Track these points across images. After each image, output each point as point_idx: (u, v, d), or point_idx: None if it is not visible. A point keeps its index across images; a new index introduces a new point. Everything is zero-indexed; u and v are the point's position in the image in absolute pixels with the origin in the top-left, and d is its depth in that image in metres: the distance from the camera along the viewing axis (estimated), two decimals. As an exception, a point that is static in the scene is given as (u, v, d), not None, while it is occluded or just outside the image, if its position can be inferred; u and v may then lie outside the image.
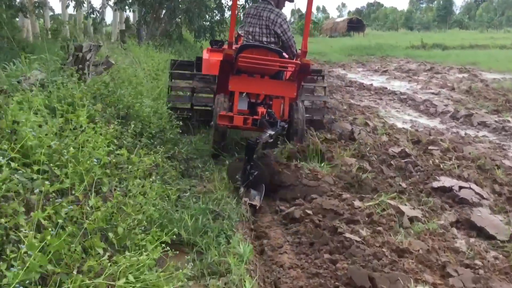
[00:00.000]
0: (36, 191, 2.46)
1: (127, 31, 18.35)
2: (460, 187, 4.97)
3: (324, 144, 6.50)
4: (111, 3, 19.17)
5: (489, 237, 4.14)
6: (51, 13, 29.68)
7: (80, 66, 5.73)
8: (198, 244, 3.65)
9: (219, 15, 20.38)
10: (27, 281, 2.06)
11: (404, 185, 5.15)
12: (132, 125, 4.76)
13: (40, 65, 6.05)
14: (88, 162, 2.93)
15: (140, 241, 3.10)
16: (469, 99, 11.65)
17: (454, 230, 4.20)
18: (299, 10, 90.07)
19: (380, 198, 4.64)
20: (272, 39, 6.21)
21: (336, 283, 3.20)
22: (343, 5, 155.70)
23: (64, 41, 6.62)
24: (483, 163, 5.99)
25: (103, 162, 3.37)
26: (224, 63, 5.93)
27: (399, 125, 8.88)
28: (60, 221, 2.33)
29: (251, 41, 6.25)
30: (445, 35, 52.42)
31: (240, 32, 7.79)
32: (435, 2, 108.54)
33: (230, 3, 6.30)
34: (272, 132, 5.20)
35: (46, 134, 3.04)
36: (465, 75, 17.15)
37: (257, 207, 4.67)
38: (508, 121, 9.23)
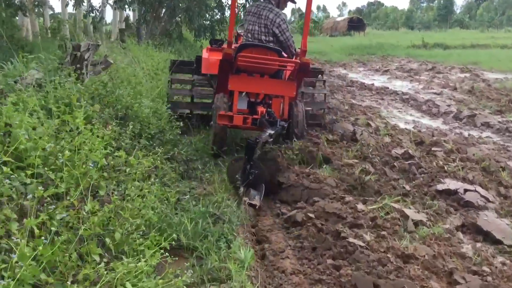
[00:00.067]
0: (29, 196, 2.36)
1: (126, 30, 18.23)
2: (465, 190, 4.88)
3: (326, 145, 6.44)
4: (110, 1, 19.07)
5: (496, 242, 4.04)
6: (51, 12, 29.62)
7: (78, 65, 5.63)
8: (198, 249, 3.56)
9: (219, 14, 20.28)
10: (19, 293, 1.97)
11: (408, 187, 5.05)
12: (131, 126, 4.66)
13: (38, 64, 5.95)
14: (84, 166, 2.83)
15: (138, 246, 3.01)
16: (472, 99, 11.54)
17: (460, 235, 4.11)
18: (299, 9, 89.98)
19: (383, 201, 4.55)
20: (271, 38, 6.18)
21: (340, 290, 3.11)
22: (344, 4, 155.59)
23: (62, 40, 6.49)
24: (488, 165, 5.89)
25: (100, 165, 3.28)
26: (224, 62, 5.90)
27: (402, 125, 8.78)
28: (53, 229, 2.22)
29: (250, 39, 6.23)
30: (446, 34, 52.32)
31: (239, 32, 7.77)
32: (436, 1, 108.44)
33: (230, 2, 6.25)
34: (272, 132, 5.16)
35: (40, 137, 2.94)
36: (467, 74, 17.04)
37: (257, 207, 4.63)
38: (512, 122, 9.13)
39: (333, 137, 7.13)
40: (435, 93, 12.75)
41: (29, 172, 2.56)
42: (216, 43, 7.82)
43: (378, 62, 23.70)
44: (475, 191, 4.89)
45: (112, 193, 3.42)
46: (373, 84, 14.77)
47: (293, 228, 4.20)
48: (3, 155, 2.57)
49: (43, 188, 2.55)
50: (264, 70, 6.02)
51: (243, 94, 6.18)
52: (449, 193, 4.92)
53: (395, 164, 5.79)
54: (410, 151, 6.11)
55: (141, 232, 3.19)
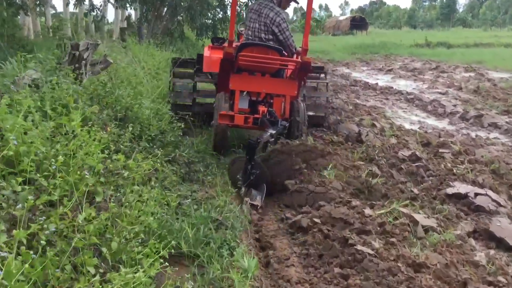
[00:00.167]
0: (19, 206, 2.21)
1: (127, 29, 18.08)
2: (476, 194, 4.72)
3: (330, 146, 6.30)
4: (112, 0, 18.90)
5: (510, 249, 3.90)
6: (53, 11, 29.53)
7: (77, 65, 5.48)
8: (200, 257, 3.41)
9: (221, 13, 20.12)
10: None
11: (416, 191, 4.90)
12: (131, 128, 4.51)
13: (37, 64, 5.81)
14: (78, 172, 2.68)
15: (137, 255, 2.86)
16: (478, 99, 11.38)
17: (472, 241, 3.95)
18: (301, 8, 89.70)
19: (391, 205, 4.39)
20: (270, 36, 6.17)
21: (349, 302, 2.96)
22: (346, 3, 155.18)
23: (61, 39, 6.35)
24: (498, 167, 5.73)
25: (97, 169, 3.13)
26: (225, 61, 5.87)
27: (407, 126, 8.62)
28: (43, 242, 2.08)
29: (250, 36, 6.25)
30: (449, 33, 52.10)
31: (241, 29, 7.72)
32: (438, 0, 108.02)
33: (231, 1, 6.18)
34: (273, 132, 5.13)
35: (31, 142, 2.79)
36: (472, 74, 16.86)
37: (259, 207, 4.60)
38: (520, 122, 8.95)
39: (337, 138, 6.99)
40: (440, 93, 12.58)
41: (20, 179, 2.40)
42: (217, 41, 7.76)
43: (381, 61, 23.52)
44: (486, 195, 4.74)
45: (110, 199, 3.27)
46: (377, 84, 14.59)
47: (298, 234, 4.06)
48: (-7, 160, 2.42)
49: (34, 197, 2.40)
50: (265, 69, 6.01)
51: (244, 93, 6.13)
52: (459, 197, 4.76)
53: (402, 166, 5.64)
54: (417, 153, 5.96)
55: (139, 240, 3.05)
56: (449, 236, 3.87)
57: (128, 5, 19.38)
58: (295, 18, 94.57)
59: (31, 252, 1.97)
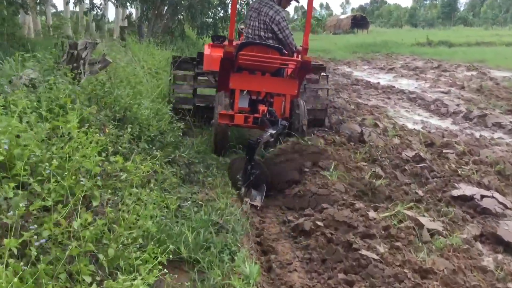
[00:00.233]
0: (10, 213, 2.12)
1: (127, 28, 17.96)
2: (482, 196, 4.62)
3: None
4: (112, -1, 18.84)
5: (517, 253, 3.79)
6: (54, 10, 29.42)
7: (75, 64, 5.38)
8: (200, 262, 3.31)
9: (222, 11, 20.02)
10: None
11: (420, 193, 4.80)
12: (129, 129, 4.41)
13: (35, 63, 5.72)
14: (73, 177, 2.58)
15: (135, 261, 2.77)
16: (481, 99, 11.25)
17: (479, 245, 3.86)
18: (302, 7, 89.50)
19: (396, 208, 4.30)
20: (270, 35, 6.17)
21: (354, 309, 2.86)
22: (347, 2, 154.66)
23: (59, 38, 6.25)
24: (503, 168, 5.63)
25: (94, 172, 3.03)
26: (225, 60, 5.85)
27: (410, 126, 8.51)
28: (33, 252, 1.98)
29: (250, 35, 6.25)
30: (450, 32, 51.89)
31: (241, 28, 7.71)
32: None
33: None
34: (273, 131, 5.10)
35: (25, 145, 2.69)
36: (474, 73, 16.73)
37: (258, 207, 4.57)
38: (524, 122, 8.84)
39: (340, 138, 6.90)
40: (442, 92, 12.45)
41: (12, 185, 2.31)
42: (218, 39, 7.71)
43: (382, 60, 23.38)
44: (492, 197, 4.64)
45: (107, 202, 3.18)
46: (378, 83, 14.47)
47: (300, 238, 3.97)
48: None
49: (27, 203, 2.31)
50: (266, 68, 6.00)
51: (244, 92, 6.13)
52: (464, 199, 4.66)
53: (406, 167, 5.54)
54: (421, 154, 5.86)
55: (138, 245, 2.95)
56: (456, 240, 3.77)
57: (128, 3, 19.29)
58: (296, 17, 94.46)
59: (22, 263, 1.87)
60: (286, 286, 3.23)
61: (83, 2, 18.43)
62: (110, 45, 10.86)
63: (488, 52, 24.72)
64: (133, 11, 25.20)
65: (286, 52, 6.11)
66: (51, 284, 2.09)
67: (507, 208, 4.53)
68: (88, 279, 2.38)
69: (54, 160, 2.45)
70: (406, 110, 10.33)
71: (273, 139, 5.22)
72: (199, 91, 7.58)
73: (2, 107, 3.32)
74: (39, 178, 2.51)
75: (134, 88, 6.27)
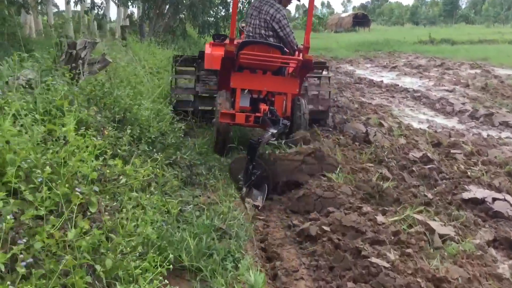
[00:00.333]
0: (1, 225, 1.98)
1: (128, 27, 17.80)
2: (494, 199, 4.46)
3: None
4: (113, -2, 18.71)
5: (532, 259, 3.64)
6: (55, 10, 29.33)
7: (74, 64, 5.24)
8: (202, 271, 3.17)
9: (223, 10, 19.87)
10: None
11: (430, 195, 4.64)
12: (129, 131, 4.27)
13: (34, 64, 5.59)
14: (67, 185, 2.44)
15: (134, 270, 2.63)
16: (486, 97, 11.08)
17: (492, 251, 3.70)
18: (303, 5, 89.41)
19: (405, 211, 4.15)
20: (270, 33, 6.17)
21: (365, 322, 2.72)
22: (348, 0, 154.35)
23: (57, 38, 6.12)
24: (513, 169, 5.48)
25: (91, 178, 2.89)
26: (225, 59, 5.83)
27: (415, 125, 8.36)
28: (21, 270, 1.84)
29: (250, 33, 6.25)
30: (452, 30, 51.70)
31: (242, 26, 7.70)
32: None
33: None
34: (275, 131, 5.06)
35: (15, 152, 2.54)
36: (478, 71, 16.55)
37: (259, 208, 4.52)
38: (532, 121, 8.66)
39: (344, 138, 6.75)
40: (447, 90, 12.28)
41: (1, 194, 2.17)
42: (219, 38, 7.64)
43: (385, 58, 23.21)
44: (504, 200, 4.48)
45: (105, 209, 3.04)
46: (382, 81, 14.30)
47: (306, 243, 3.83)
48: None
49: (19, 213, 2.17)
50: (267, 67, 6.00)
51: (246, 91, 6.10)
52: (475, 202, 4.51)
53: (413, 168, 5.39)
54: (429, 154, 5.70)
55: (137, 254, 2.81)
56: (468, 246, 3.62)
57: (130, 3, 19.16)
58: (297, 15, 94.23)
59: (8, 282, 1.73)
60: (292, 296, 3.09)
61: (84, 1, 18.29)
62: (110, 44, 10.73)
63: (491, 50, 24.54)
64: (135, 10, 25.07)
65: (288, 51, 6.08)
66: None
67: (519, 211, 4.37)
68: (84, 293, 2.24)
69: (47, 167, 2.30)
70: (411, 109, 10.17)
71: (274, 138, 5.20)
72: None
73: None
74: (32, 185, 2.36)
75: (135, 88, 6.14)
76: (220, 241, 3.58)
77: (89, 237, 2.48)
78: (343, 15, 71.87)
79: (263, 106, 5.75)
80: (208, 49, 7.32)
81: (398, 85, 13.52)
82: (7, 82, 4.73)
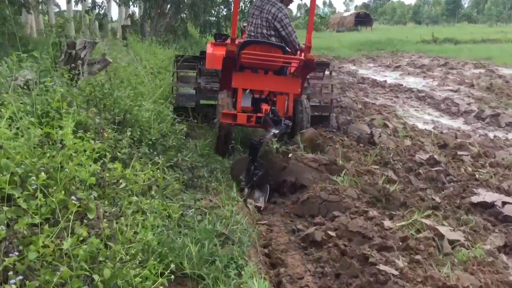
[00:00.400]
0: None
1: (129, 27, 17.72)
2: (504, 203, 4.35)
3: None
4: (114, -3, 18.62)
5: (545, 266, 3.52)
6: (57, 9, 29.26)
7: (73, 65, 5.14)
8: (204, 279, 3.07)
9: (225, 10, 19.77)
10: None
11: (437, 199, 4.53)
12: (129, 133, 4.17)
13: (33, 64, 5.49)
14: (63, 192, 2.34)
15: (134, 279, 2.53)
16: (492, 97, 10.95)
17: (504, 257, 3.59)
18: (305, 5, 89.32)
19: (412, 216, 4.03)
20: (272, 32, 6.13)
21: (374, 333, 2.61)
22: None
23: (57, 38, 6.02)
24: (522, 171, 5.36)
25: (89, 183, 2.79)
26: (227, 59, 5.79)
27: (420, 126, 8.24)
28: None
29: (252, 33, 6.21)
30: (455, 29, 51.51)
31: (243, 26, 7.60)
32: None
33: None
34: (277, 131, 5.02)
35: (7, 158, 2.44)
36: (482, 70, 16.41)
37: (261, 209, 4.48)
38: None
39: (348, 140, 6.64)
40: (451, 90, 12.15)
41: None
42: (220, 37, 7.58)
43: (388, 58, 23.09)
44: (514, 203, 4.36)
45: (104, 215, 2.93)
46: (385, 81, 14.19)
47: (311, 249, 3.72)
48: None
49: (13, 220, 2.07)
50: (268, 66, 5.96)
51: (247, 91, 6.07)
52: (485, 206, 4.39)
53: (420, 171, 5.28)
54: (436, 157, 5.59)
55: (137, 261, 2.71)
56: (479, 252, 3.51)
57: (131, 2, 19.08)
58: (298, 14, 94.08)
59: None
60: (298, 304, 2.99)
61: (85, 0, 18.21)
62: (111, 44, 10.64)
63: (494, 49, 24.39)
64: (136, 10, 25.00)
65: (290, 50, 6.03)
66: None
67: (530, 215, 4.25)
68: (81, 307, 2.14)
69: (42, 173, 2.20)
70: (416, 110, 10.05)
71: (276, 139, 5.17)
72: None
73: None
74: (26, 192, 2.26)
75: (135, 89, 6.04)
76: (223, 247, 3.48)
77: (87, 246, 2.38)
78: (345, 14, 71.82)
79: (264, 106, 5.72)
80: (209, 49, 7.28)
81: (402, 85, 13.40)
82: (4, 83, 4.63)
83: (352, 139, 6.73)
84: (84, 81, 5.13)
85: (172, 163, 5.00)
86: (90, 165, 2.75)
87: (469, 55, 21.91)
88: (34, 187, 2.18)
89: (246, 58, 5.68)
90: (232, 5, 19.19)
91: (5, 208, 2.23)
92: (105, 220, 2.75)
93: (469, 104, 9.93)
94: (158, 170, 3.82)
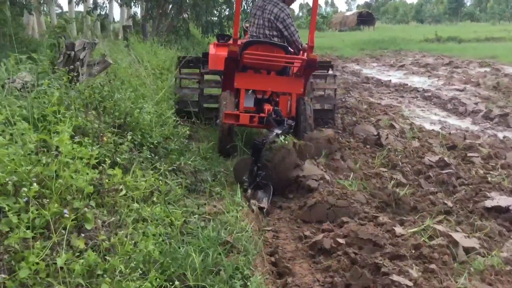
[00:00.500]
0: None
1: (130, 27, 17.57)
2: (518, 207, 4.18)
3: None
4: (116, -2, 18.50)
5: None
6: (59, 10, 29.18)
7: (72, 66, 5.00)
8: (209, 291, 2.92)
9: (227, 10, 19.64)
10: None
11: (449, 203, 4.37)
12: (130, 137, 4.03)
13: (32, 66, 5.36)
14: (57, 203, 2.19)
15: (134, 292, 2.39)
16: (499, 96, 10.75)
17: (521, 265, 3.42)
18: (307, 4, 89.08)
19: (424, 221, 3.88)
20: (275, 33, 6.10)
21: None
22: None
23: (55, 38, 5.89)
24: (535, 173, 5.19)
25: (87, 192, 2.65)
26: (229, 60, 5.76)
27: (427, 126, 8.07)
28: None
29: (254, 33, 6.17)
30: (458, 27, 51.26)
31: (245, 26, 7.54)
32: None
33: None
34: (279, 131, 4.99)
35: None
36: (487, 69, 16.20)
37: (265, 210, 4.42)
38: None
39: (355, 141, 6.49)
40: (458, 90, 11.95)
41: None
42: (223, 38, 7.50)
43: (391, 57, 22.91)
44: (530, 208, 4.20)
45: (103, 225, 2.79)
46: (390, 81, 14.01)
47: (320, 257, 3.56)
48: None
49: (4, 234, 1.92)
50: (271, 67, 5.94)
51: (250, 91, 6.04)
52: (499, 211, 4.21)
53: (430, 173, 5.12)
54: (445, 159, 5.42)
55: (138, 274, 2.56)
56: (496, 260, 3.35)
57: (132, 2, 18.96)
58: (301, 14, 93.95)
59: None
60: (307, 317, 2.83)
61: (86, 1, 18.09)
62: (112, 45, 10.50)
63: (499, 48, 24.13)
64: (138, 10, 24.91)
65: (292, 50, 5.96)
66: None
67: (546, 220, 4.09)
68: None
69: (35, 184, 2.05)
70: (422, 110, 9.87)
71: (278, 139, 5.02)
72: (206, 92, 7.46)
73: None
74: (18, 205, 2.11)
75: (136, 91, 5.90)
76: (228, 256, 3.32)
77: (83, 260, 2.24)
78: (348, 13, 71.62)
79: (267, 107, 5.73)
80: (212, 50, 7.20)
81: (406, 84, 13.22)
82: (2, 86, 4.50)
83: (359, 141, 6.58)
84: (83, 83, 4.99)
85: (174, 167, 4.85)
86: (87, 174, 2.60)
87: (474, 54, 21.70)
88: (25, 200, 2.03)
89: (249, 58, 5.65)
90: (234, 5, 19.13)
91: (-3, 221, 2.09)
92: (104, 230, 2.61)
93: (476, 103, 9.73)
94: (160, 178, 3.69)
